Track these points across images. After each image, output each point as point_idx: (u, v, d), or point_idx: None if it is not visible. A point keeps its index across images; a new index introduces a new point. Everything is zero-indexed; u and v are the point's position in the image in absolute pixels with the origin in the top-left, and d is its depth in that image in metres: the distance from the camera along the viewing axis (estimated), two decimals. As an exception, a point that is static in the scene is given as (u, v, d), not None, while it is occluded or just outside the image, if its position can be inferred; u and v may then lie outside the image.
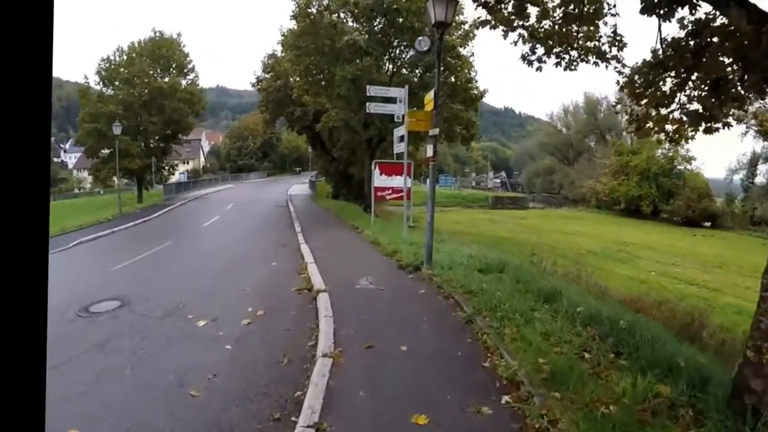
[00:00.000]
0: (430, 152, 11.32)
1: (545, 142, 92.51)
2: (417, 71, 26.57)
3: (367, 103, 17.30)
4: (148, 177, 47.58)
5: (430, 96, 11.64)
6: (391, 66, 26.46)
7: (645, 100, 8.05)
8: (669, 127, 7.94)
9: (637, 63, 7.90)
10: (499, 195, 66.16)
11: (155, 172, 48.89)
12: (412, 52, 23.76)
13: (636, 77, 7.81)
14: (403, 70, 26.33)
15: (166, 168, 49.82)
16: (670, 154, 57.10)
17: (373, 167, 20.48)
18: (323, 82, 26.84)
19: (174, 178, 73.44)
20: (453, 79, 25.49)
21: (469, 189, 75.69)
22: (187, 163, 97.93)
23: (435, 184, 11.75)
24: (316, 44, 24.38)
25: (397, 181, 20.51)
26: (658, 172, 55.04)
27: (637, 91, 7.91)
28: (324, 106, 29.59)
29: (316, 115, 32.52)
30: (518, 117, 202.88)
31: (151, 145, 45.72)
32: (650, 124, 8.29)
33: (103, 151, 43.63)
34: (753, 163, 64.82)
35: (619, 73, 8.58)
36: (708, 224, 50.99)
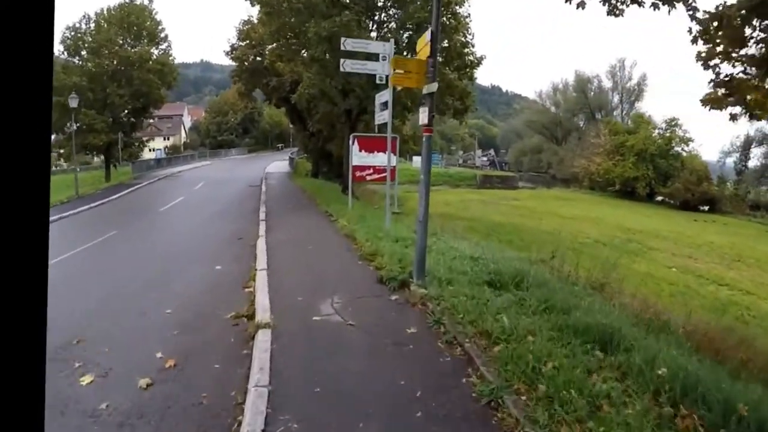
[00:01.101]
0: (424, 118, 7.69)
1: (533, 120, 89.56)
2: (405, 34, 22.59)
3: (342, 61, 13.45)
4: (116, 154, 43.33)
5: (425, 38, 7.95)
6: (374, 27, 22.56)
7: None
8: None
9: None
10: (487, 174, 62.84)
11: (123, 149, 44.63)
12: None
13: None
14: (389, 32, 22.40)
15: (136, 144, 45.47)
16: (667, 134, 54.28)
17: (351, 142, 16.78)
18: (297, 46, 22.98)
19: (151, 155, 69.49)
20: (446, 43, 21.66)
21: (455, 167, 72.19)
22: (168, 139, 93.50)
23: (430, 163, 8.11)
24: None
25: (380, 159, 16.88)
26: (655, 153, 52.23)
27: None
28: (301, 76, 25.79)
29: (293, 86, 28.74)
30: (505, 95, 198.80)
31: (120, 120, 41.34)
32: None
33: (68, 126, 39.47)
34: (746, 146, 62.50)
35: (693, 17, 6.74)
36: (706, 208, 48.36)
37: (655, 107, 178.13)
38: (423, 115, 7.76)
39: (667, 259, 23.83)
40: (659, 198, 53.53)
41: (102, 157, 42.59)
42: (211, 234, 15.53)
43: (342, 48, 13.35)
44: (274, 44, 23.90)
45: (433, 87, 7.59)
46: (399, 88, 11.95)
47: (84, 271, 11.61)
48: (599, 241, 25.16)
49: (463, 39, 22.29)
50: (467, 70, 23.30)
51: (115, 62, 39.63)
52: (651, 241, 27.57)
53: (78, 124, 38.49)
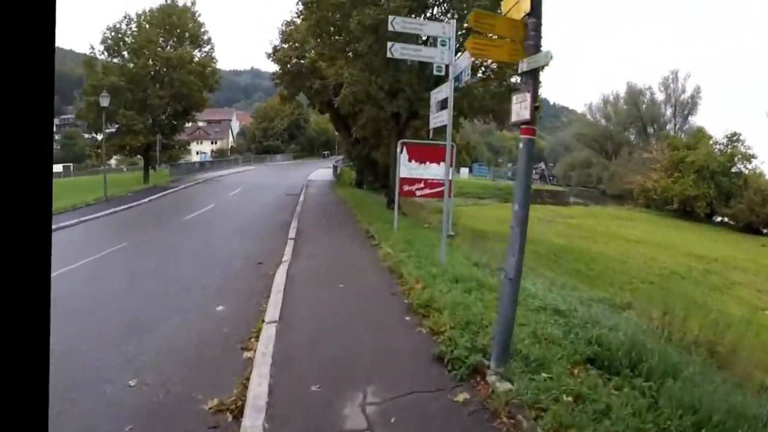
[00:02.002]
0: (524, 112, 4.74)
1: (583, 133, 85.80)
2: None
3: (390, 45, 10.47)
4: (154, 156, 41.57)
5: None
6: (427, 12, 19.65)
7: None
8: None
9: None
10: (538, 188, 59.25)
11: (162, 151, 42.79)
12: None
13: None
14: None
15: (177, 147, 43.61)
16: (728, 150, 49.87)
17: (399, 150, 13.89)
18: (340, 43, 20.23)
19: (197, 157, 68.16)
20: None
21: (505, 180, 68.72)
22: (215, 143, 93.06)
23: (528, 186, 5.18)
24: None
25: (433, 171, 14.01)
26: (716, 171, 47.87)
27: None
28: (345, 78, 23.11)
29: (336, 89, 26.00)
30: (553, 108, 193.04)
31: (159, 122, 39.58)
32: None
33: (108, 126, 38.03)
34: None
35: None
36: (769, 231, 44.12)
37: (708, 121, 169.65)
38: (520, 108, 4.82)
39: (752, 296, 20.68)
40: (718, 219, 49.33)
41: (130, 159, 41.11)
42: (228, 254, 12.80)
43: (390, 28, 10.37)
44: (315, 41, 20.98)
45: (539, 60, 4.65)
46: (465, 79, 9.03)
47: (58, 301, 8.98)
48: (676, 272, 21.86)
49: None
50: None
51: (155, 63, 38.15)
52: (731, 273, 24.23)
53: (116, 125, 37.12)
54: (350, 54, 19.59)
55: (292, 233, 14.58)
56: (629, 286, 18.18)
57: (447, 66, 9.85)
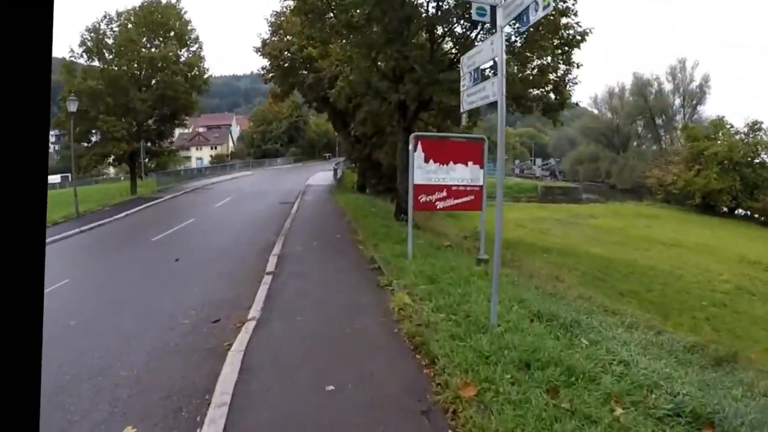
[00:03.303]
0: None
1: (589, 127, 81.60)
2: None
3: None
4: (139, 164, 37.57)
5: None
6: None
7: None
8: None
9: None
10: (548, 185, 55.47)
11: (149, 159, 38.85)
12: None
13: None
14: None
15: (166, 153, 39.68)
16: (751, 140, 45.74)
17: (412, 148, 9.99)
18: (330, 18, 16.30)
19: (193, 165, 64.28)
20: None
21: (513, 177, 64.73)
22: (215, 148, 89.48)
23: None
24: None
25: (459, 174, 10.27)
26: (741, 162, 43.70)
27: None
28: (338, 60, 19.34)
29: (332, 83, 22.14)
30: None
31: (145, 127, 35.72)
32: None
33: (92, 134, 34.37)
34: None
35: None
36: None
37: (717, 111, 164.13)
38: None
39: None
40: (740, 212, 45.33)
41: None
42: (179, 302, 8.89)
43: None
44: (303, 19, 16.92)
45: None
46: (538, 15, 5.13)
47: None
48: (741, 288, 18.09)
49: (562, 2, 15.15)
50: (566, 49, 16.14)
51: (137, 65, 34.38)
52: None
53: (96, 132, 33.42)
54: (344, 32, 15.64)
55: (272, 264, 10.66)
56: (702, 314, 14.42)
57: (492, 7, 5.96)
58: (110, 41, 33.91)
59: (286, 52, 28.36)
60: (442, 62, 14.82)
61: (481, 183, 10.43)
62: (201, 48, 37.71)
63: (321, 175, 44.55)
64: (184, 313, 8.16)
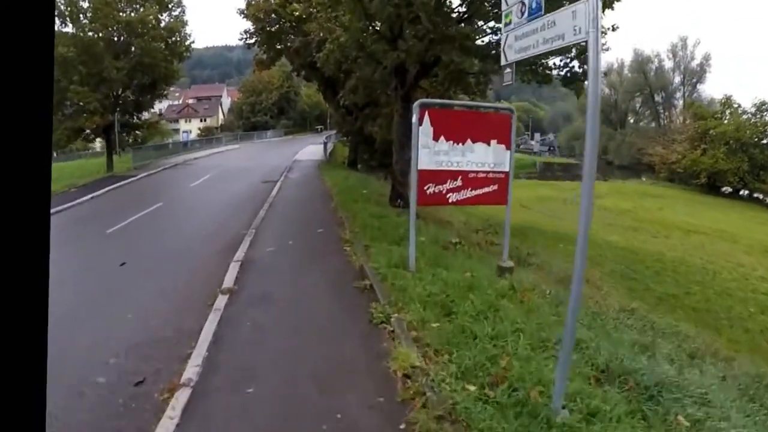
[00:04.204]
0: None
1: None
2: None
3: None
4: (114, 138, 34.14)
5: None
6: None
7: None
8: None
9: None
10: (547, 161, 52.94)
11: (124, 133, 35.29)
12: None
13: None
14: None
15: (145, 126, 36.41)
16: (759, 120, 43.42)
17: (415, 120, 7.24)
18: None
19: (179, 138, 60.88)
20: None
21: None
22: (204, 120, 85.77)
23: None
24: None
25: (480, 157, 7.54)
26: (748, 142, 41.48)
27: None
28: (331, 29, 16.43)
29: (320, 47, 19.18)
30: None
31: (121, 99, 32.43)
32: None
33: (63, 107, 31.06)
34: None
35: None
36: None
37: (716, 90, 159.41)
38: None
39: None
40: (744, 193, 43.26)
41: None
42: (99, 348, 6.03)
43: None
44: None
45: None
46: None
47: None
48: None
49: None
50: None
51: (112, 29, 30.61)
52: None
53: (68, 103, 30.19)
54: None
55: (231, 276, 7.96)
56: (754, 324, 12.23)
57: None
58: (85, 4, 30.36)
59: (272, 15, 25.30)
60: (449, 16, 11.96)
61: (507, 169, 7.76)
62: (183, 12, 33.95)
63: (311, 149, 41.53)
64: (101, 364, 5.47)
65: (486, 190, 7.70)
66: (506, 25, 4.43)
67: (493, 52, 12.25)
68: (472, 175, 7.53)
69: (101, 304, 7.61)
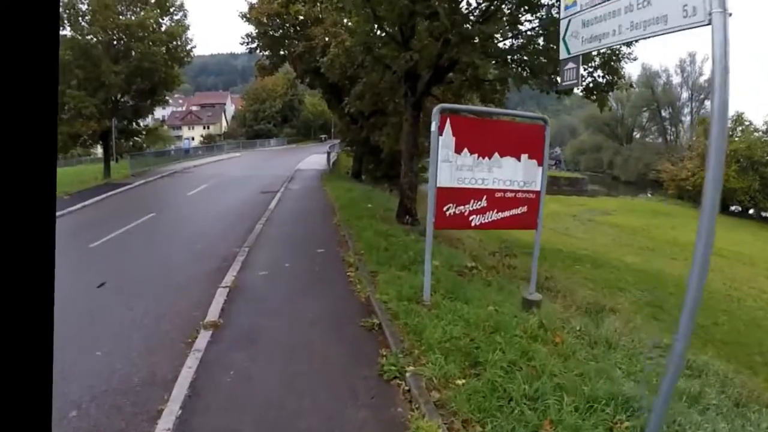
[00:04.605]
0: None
1: (593, 116, 78.07)
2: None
3: None
4: (111, 144, 32.93)
5: None
6: None
7: None
8: None
9: None
10: (554, 174, 51.88)
11: (122, 139, 33.92)
12: None
13: None
14: None
15: (143, 132, 35.33)
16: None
17: (435, 126, 6.14)
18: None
19: (180, 145, 59.82)
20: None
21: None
22: (208, 127, 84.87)
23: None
24: None
25: (508, 173, 6.44)
26: (760, 161, 40.55)
27: None
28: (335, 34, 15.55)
29: (324, 51, 18.15)
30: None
31: (119, 104, 31.43)
32: None
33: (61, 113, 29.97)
34: None
35: None
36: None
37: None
38: None
39: None
40: (751, 212, 42.10)
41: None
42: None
43: None
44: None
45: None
46: None
47: None
48: None
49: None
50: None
51: (111, 33, 29.67)
52: None
53: (66, 109, 29.14)
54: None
55: (216, 308, 6.79)
56: None
57: None
58: (84, 6, 29.45)
59: (275, 18, 24.33)
60: (468, 16, 10.86)
61: (538, 188, 6.69)
62: (185, 16, 32.96)
63: (314, 158, 40.47)
64: (58, 419, 4.26)
65: (514, 212, 6.63)
66: (568, 7, 3.35)
67: (516, 56, 11.21)
68: (499, 194, 6.45)
69: (68, 337, 6.49)
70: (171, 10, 32.40)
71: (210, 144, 59.62)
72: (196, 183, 24.35)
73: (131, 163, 32.06)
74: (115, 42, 30.18)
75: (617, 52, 12.85)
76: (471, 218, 6.39)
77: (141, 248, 11.78)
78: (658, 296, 13.80)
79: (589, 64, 13.32)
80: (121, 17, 29.91)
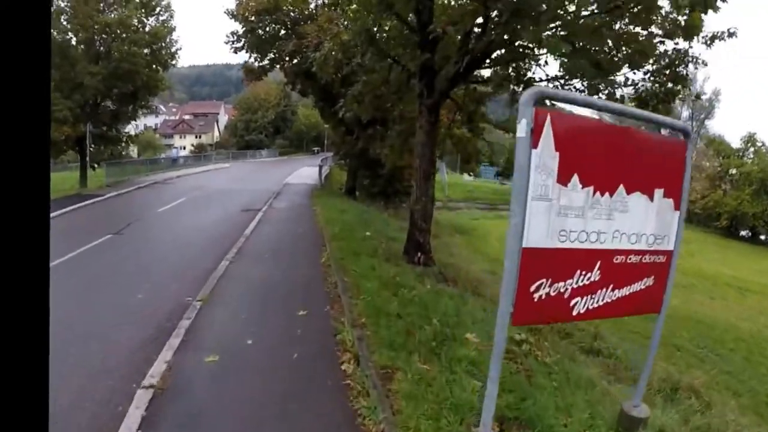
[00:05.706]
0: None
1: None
2: None
3: None
4: (87, 151, 29.58)
5: None
6: None
7: None
8: None
9: None
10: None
11: (101, 145, 30.42)
12: None
13: None
14: None
15: (124, 140, 32.09)
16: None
17: (525, 130, 3.11)
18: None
19: (168, 153, 56.70)
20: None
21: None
22: (199, 137, 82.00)
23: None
24: None
25: (635, 219, 3.40)
26: (774, 184, 38.30)
27: None
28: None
29: (317, 48, 15.19)
30: (551, 107, 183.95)
31: (97, 108, 28.45)
32: None
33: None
34: None
35: None
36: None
37: (723, 125, 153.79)
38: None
39: None
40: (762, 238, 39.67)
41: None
42: None
43: None
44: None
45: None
46: None
47: None
48: None
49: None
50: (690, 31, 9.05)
51: (88, 31, 26.90)
52: None
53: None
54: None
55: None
56: None
57: None
58: (63, 3, 26.58)
59: (265, 16, 21.44)
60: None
61: (671, 246, 3.74)
62: (171, 17, 30.07)
63: (305, 171, 37.36)
64: None
65: (636, 287, 3.65)
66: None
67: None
68: (618, 258, 3.47)
69: None
70: (157, 9, 29.65)
71: (199, 154, 56.45)
72: (173, 196, 21.24)
73: (107, 171, 28.96)
74: (97, 42, 27.63)
75: (684, 55, 9.90)
76: (573, 302, 3.36)
77: (78, 287, 8.53)
78: (714, 352, 11.02)
79: (644, 68, 10.44)
80: (101, 15, 27.14)
